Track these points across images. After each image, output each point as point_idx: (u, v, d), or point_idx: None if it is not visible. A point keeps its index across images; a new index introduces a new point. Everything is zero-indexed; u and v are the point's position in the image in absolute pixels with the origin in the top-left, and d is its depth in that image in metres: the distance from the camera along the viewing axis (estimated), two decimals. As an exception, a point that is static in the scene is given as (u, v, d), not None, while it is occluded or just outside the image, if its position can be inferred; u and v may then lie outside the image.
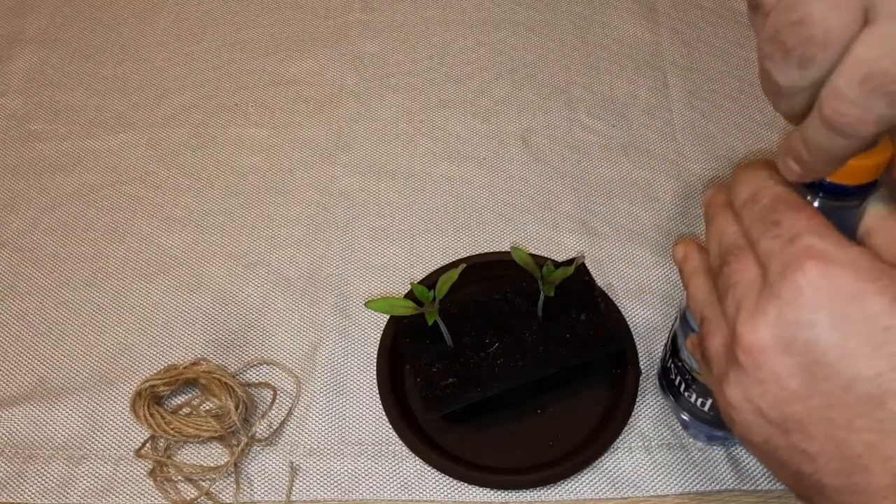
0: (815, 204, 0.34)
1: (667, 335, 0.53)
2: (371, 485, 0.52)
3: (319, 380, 0.56)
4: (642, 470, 0.52)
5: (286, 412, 0.55)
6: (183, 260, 0.63)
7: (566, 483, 0.51)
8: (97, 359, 0.57)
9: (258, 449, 0.53)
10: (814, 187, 0.33)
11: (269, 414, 0.54)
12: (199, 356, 0.57)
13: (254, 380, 0.56)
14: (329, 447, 0.53)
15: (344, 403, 0.55)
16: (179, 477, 0.52)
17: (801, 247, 0.30)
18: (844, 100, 0.28)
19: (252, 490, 0.52)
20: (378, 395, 0.54)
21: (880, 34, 0.26)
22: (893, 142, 0.32)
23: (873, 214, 0.33)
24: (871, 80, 0.27)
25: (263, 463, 0.53)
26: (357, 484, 0.52)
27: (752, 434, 0.32)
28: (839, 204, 0.34)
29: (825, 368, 0.29)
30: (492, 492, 0.51)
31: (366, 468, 0.52)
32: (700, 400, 0.49)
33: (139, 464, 0.53)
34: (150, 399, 0.53)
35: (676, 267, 0.39)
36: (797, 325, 0.29)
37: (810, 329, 0.29)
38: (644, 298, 0.59)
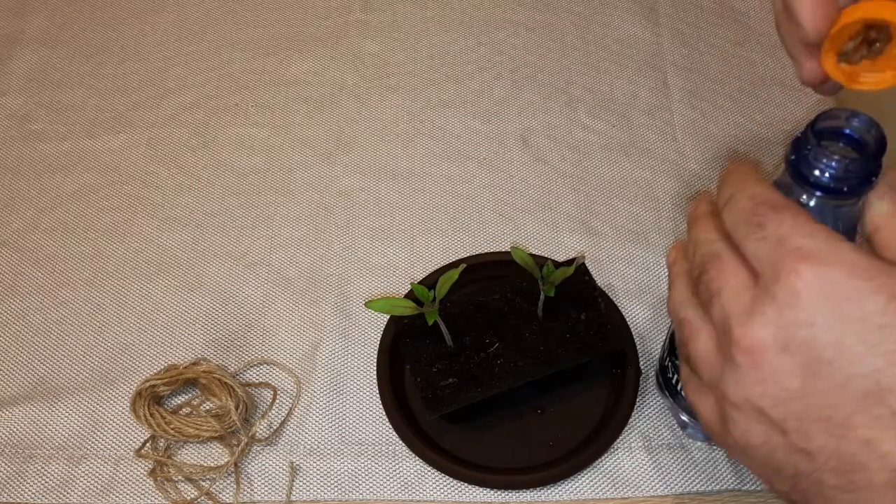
0: (812, 203, 0.34)
1: (665, 334, 0.53)
2: (371, 485, 0.52)
3: (319, 380, 0.56)
4: (642, 470, 0.52)
5: (286, 412, 0.55)
6: (183, 260, 0.63)
7: (566, 483, 0.51)
8: (97, 359, 0.58)
9: (258, 449, 0.53)
10: (810, 186, 0.33)
11: (269, 414, 0.54)
12: (199, 356, 0.57)
13: (254, 380, 0.56)
14: (329, 447, 0.53)
15: (344, 403, 0.55)
16: (179, 477, 0.52)
17: (790, 249, 0.30)
18: None
19: (252, 490, 0.52)
20: (378, 395, 0.54)
21: None
22: None
23: (877, 212, 0.33)
24: None
25: (263, 463, 0.53)
26: (357, 484, 0.52)
27: (751, 436, 0.32)
28: (836, 202, 0.33)
29: (823, 366, 0.29)
30: (492, 492, 0.51)
31: (366, 468, 0.52)
32: (699, 399, 0.49)
33: (139, 464, 0.53)
34: (150, 399, 0.53)
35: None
36: (796, 325, 0.29)
37: (808, 328, 0.29)
38: (644, 298, 0.59)
